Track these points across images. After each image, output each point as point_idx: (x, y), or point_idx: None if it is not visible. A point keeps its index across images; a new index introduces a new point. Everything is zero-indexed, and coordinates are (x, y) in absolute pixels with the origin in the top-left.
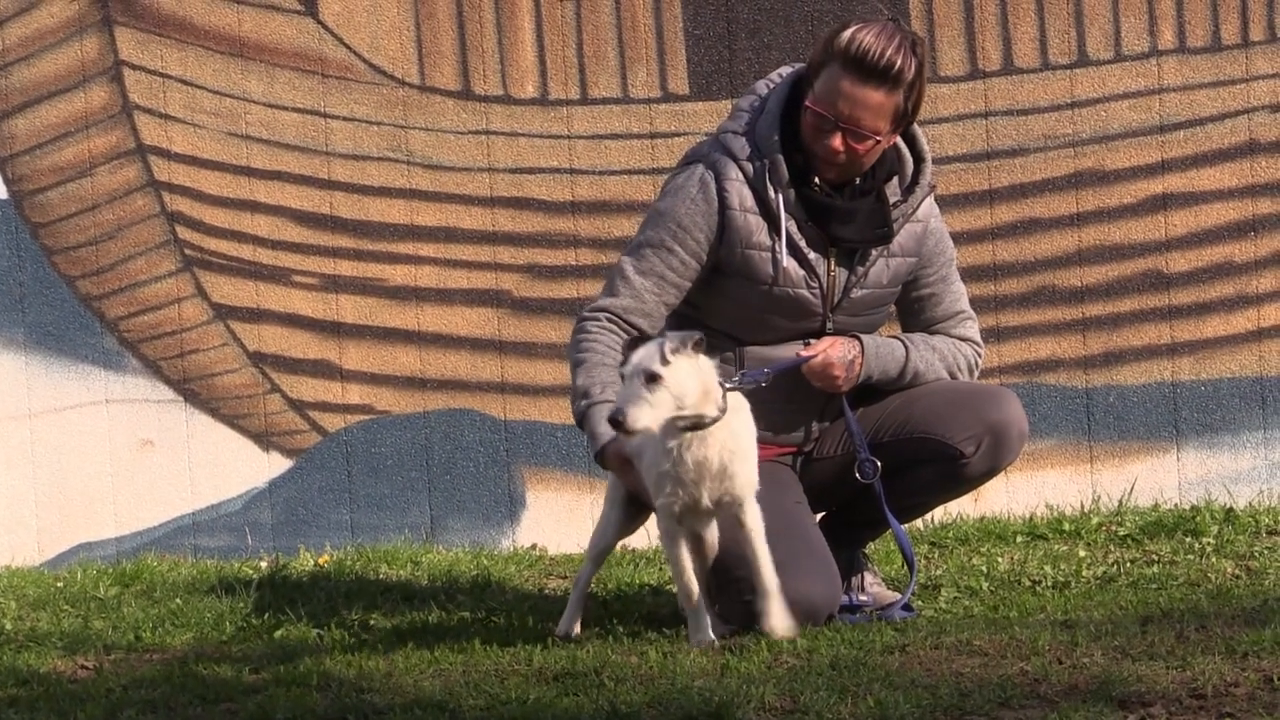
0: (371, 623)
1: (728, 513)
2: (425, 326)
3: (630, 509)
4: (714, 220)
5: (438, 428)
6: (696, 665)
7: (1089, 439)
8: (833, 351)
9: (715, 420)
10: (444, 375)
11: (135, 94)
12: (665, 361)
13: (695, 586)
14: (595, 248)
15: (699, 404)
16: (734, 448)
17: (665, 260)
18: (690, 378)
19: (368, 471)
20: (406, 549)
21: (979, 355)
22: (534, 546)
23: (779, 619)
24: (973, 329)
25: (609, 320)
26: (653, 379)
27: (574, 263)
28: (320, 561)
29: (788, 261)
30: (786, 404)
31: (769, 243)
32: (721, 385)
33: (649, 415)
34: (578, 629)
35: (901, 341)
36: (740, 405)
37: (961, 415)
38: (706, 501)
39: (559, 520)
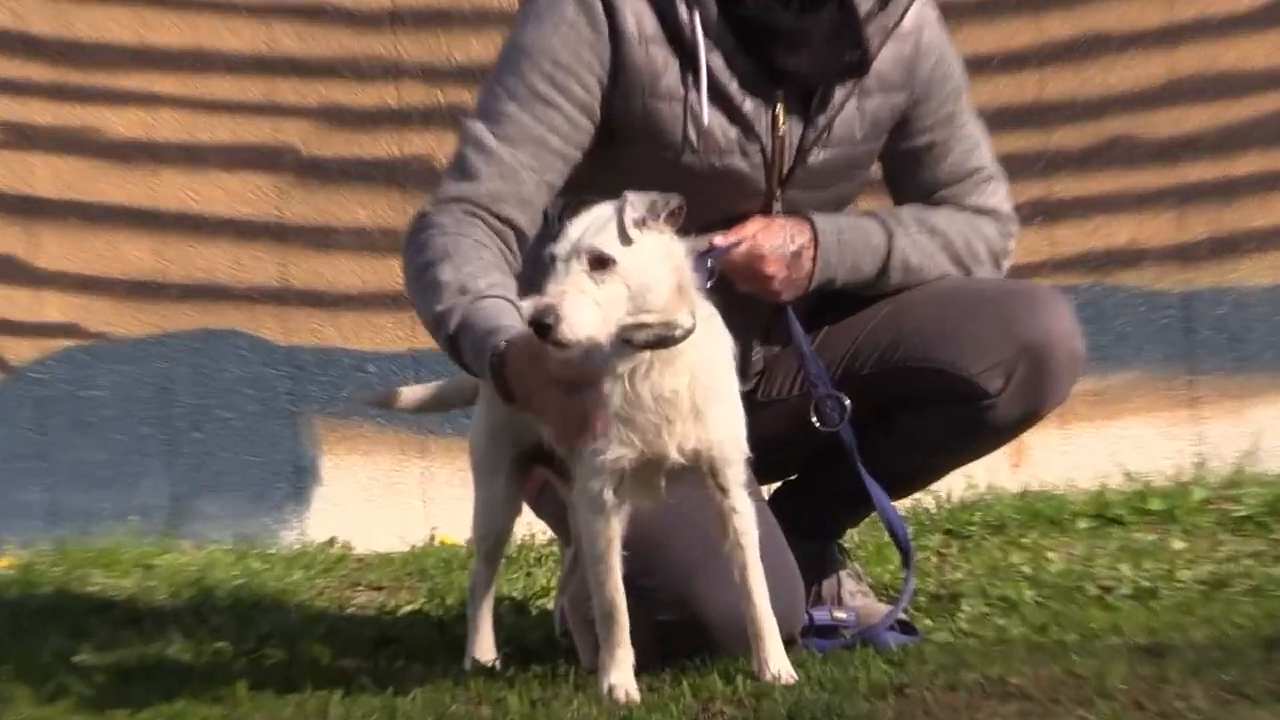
0: (78, 660)
1: (687, 486)
2: (164, 203)
3: (520, 474)
4: (605, 54)
5: (182, 360)
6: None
7: (1189, 371)
8: (764, 238)
9: (688, 334)
10: (192, 277)
11: None
12: (626, 238)
13: (623, 607)
14: (426, 80)
15: (669, 306)
16: (710, 381)
17: (542, 118)
18: (660, 265)
19: (73, 427)
20: (133, 546)
21: (1008, 237)
22: (331, 541)
23: (778, 660)
24: (997, 195)
25: (467, 214)
26: (603, 263)
27: (394, 104)
28: (1, 564)
29: (711, 116)
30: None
31: (681, 90)
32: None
33: (594, 318)
34: (493, 656)
35: (880, 221)
36: (712, 315)
37: (981, 331)
38: (676, 455)
39: (370, 501)
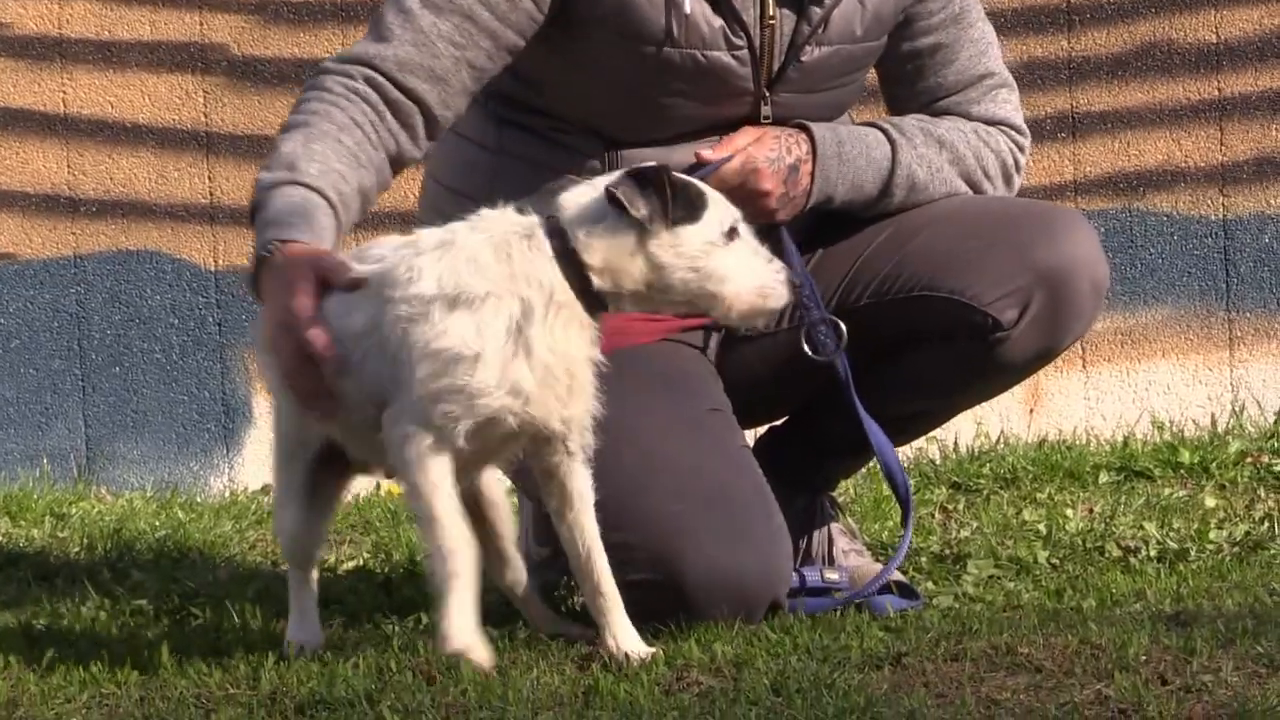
0: None
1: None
2: (77, 107)
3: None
4: None
5: (98, 284)
6: (543, 690)
7: (1227, 308)
8: (757, 149)
9: None
10: (109, 192)
11: None
12: None
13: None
14: None
15: None
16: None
17: None
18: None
19: None
20: (45, 494)
21: (1021, 151)
22: (265, 490)
23: (627, 636)
24: (1009, 105)
25: (367, 81)
26: None
27: None
28: None
29: (692, 4)
30: None
31: None
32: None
33: None
34: (317, 636)
35: (883, 130)
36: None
37: (994, 256)
38: (556, 424)
39: None
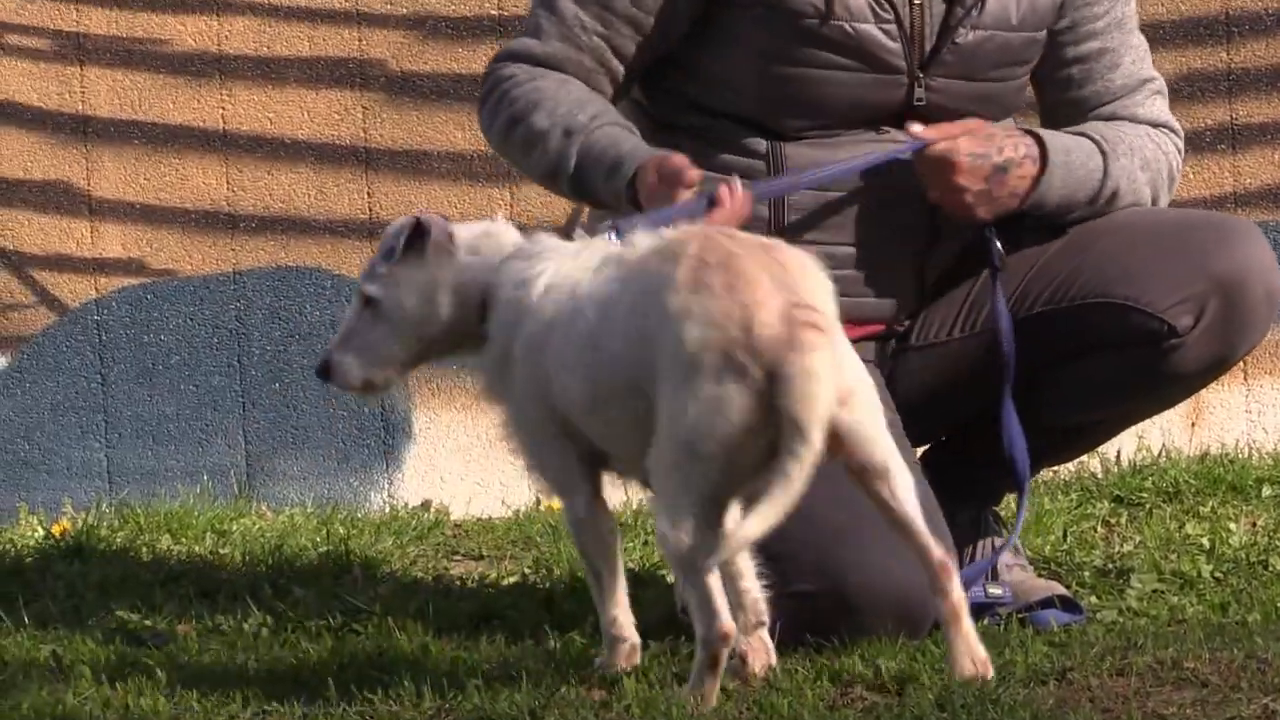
0: (145, 634)
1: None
2: (236, 124)
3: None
4: None
5: (257, 300)
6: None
7: None
8: (968, 143)
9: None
10: (268, 208)
11: None
12: (376, 276)
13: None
14: None
15: (457, 322)
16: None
17: None
18: (419, 293)
19: (136, 376)
20: (205, 509)
21: (1180, 152)
22: (426, 505)
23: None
24: (1165, 106)
25: (541, 72)
26: (369, 303)
27: (495, 11)
28: (56, 530)
29: None
30: (867, 241)
31: None
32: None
33: (364, 361)
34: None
35: (1093, 141)
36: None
37: (1168, 263)
38: None
39: (469, 461)
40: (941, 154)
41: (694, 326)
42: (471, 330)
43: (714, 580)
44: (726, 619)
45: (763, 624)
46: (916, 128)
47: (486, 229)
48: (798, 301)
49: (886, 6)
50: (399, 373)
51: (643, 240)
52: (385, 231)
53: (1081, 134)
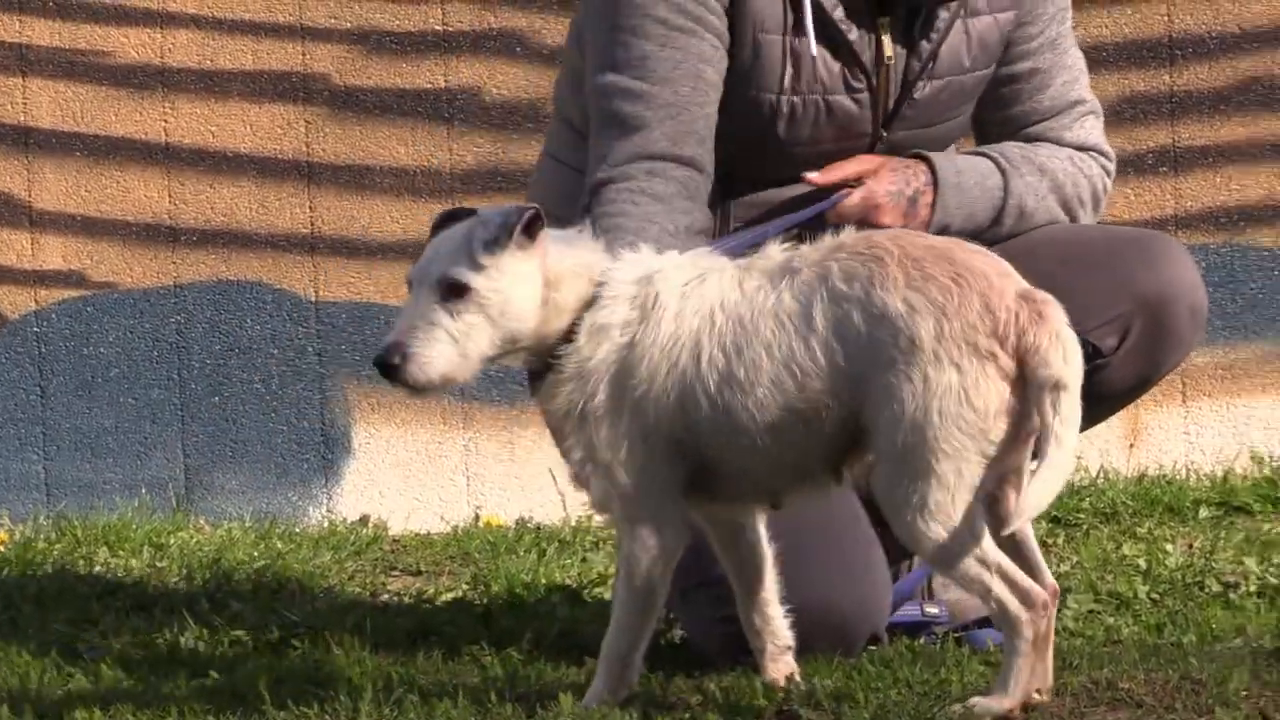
0: (82, 647)
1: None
2: (179, 137)
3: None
4: None
5: (198, 314)
6: None
7: None
8: (878, 183)
9: (567, 351)
10: (210, 222)
11: None
12: (478, 263)
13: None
14: (476, 0)
15: (540, 327)
16: (592, 390)
17: (689, 49)
18: (522, 286)
19: (76, 389)
20: (143, 523)
21: (1108, 174)
22: (364, 520)
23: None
24: (1097, 131)
25: (649, 175)
26: (457, 292)
27: (439, 27)
28: None
29: (815, 50)
30: None
31: (783, 21)
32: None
33: (449, 354)
34: None
35: (992, 160)
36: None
37: (1092, 282)
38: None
39: (408, 476)
40: (864, 201)
41: (926, 320)
42: (551, 335)
43: (1000, 557)
44: (1032, 585)
45: (790, 648)
46: (812, 175)
47: (576, 233)
48: (1019, 283)
49: (859, 75)
50: (477, 370)
51: (775, 253)
52: (482, 216)
53: (981, 154)
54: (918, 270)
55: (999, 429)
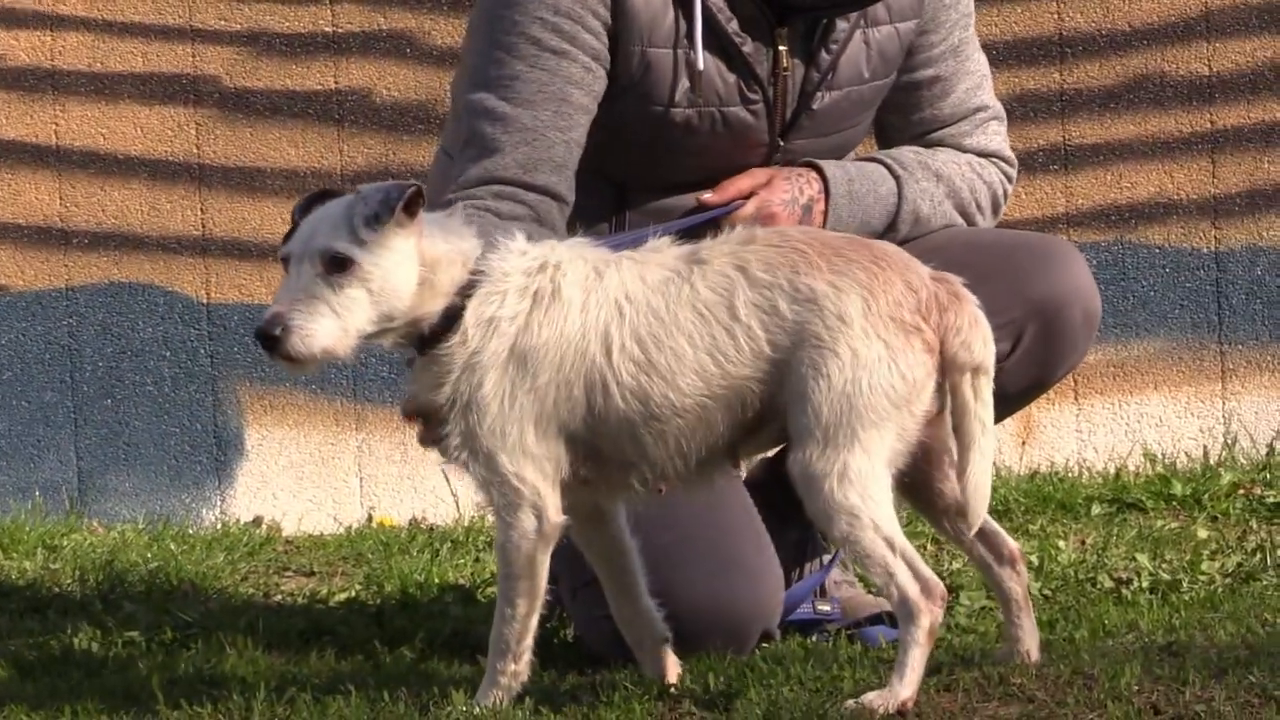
0: None
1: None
2: (69, 139)
3: None
4: None
5: (90, 316)
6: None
7: (1219, 339)
8: (771, 193)
9: (442, 333)
10: (101, 224)
11: None
12: (358, 239)
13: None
14: (365, 2)
15: (415, 306)
16: (479, 380)
17: (558, 71)
18: (404, 263)
19: None
20: (36, 525)
21: (1009, 179)
22: (257, 521)
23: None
24: (999, 137)
25: (497, 196)
26: (339, 265)
27: (329, 29)
28: None
29: (707, 61)
30: None
31: (675, 33)
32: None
33: (331, 328)
34: None
35: (886, 166)
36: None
37: (985, 288)
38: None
39: (301, 477)
40: (758, 210)
41: (854, 299)
42: (424, 317)
43: (907, 545)
44: (933, 576)
45: (667, 639)
46: (708, 196)
47: (448, 217)
48: (929, 269)
49: (754, 87)
50: (356, 346)
51: (666, 246)
52: (363, 192)
53: (876, 159)
54: (839, 257)
55: (924, 401)
